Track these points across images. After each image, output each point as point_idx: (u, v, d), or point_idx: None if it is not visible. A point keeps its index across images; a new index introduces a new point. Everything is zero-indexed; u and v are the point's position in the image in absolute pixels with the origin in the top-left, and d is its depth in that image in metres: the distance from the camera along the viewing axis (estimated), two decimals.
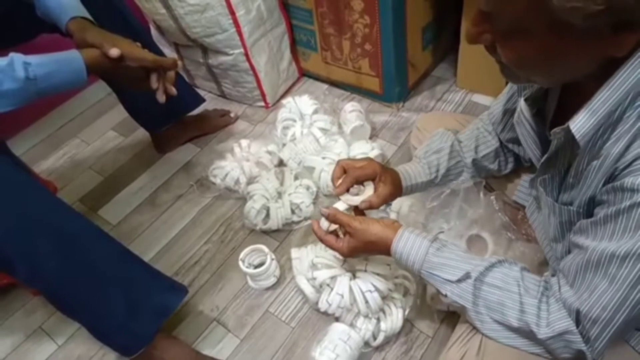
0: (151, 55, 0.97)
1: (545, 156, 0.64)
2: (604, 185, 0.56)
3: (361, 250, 0.80)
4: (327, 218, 0.82)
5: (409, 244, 0.73)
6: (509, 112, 0.84)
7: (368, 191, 0.84)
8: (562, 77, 0.56)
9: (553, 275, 0.66)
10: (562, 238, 0.67)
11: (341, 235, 0.82)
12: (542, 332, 0.61)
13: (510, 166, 0.94)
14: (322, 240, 0.83)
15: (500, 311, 0.64)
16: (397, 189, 0.87)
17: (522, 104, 0.68)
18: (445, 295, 0.69)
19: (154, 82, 0.99)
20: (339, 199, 0.84)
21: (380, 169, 0.85)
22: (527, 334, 0.63)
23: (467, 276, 0.67)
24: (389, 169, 0.89)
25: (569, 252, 0.63)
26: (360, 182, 0.85)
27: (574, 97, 0.59)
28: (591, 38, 0.47)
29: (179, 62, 1.01)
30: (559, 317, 0.60)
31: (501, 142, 0.91)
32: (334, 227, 0.84)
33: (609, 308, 0.55)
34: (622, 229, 0.52)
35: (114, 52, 0.90)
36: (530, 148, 0.72)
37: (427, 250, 0.71)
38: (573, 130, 0.55)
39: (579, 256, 0.58)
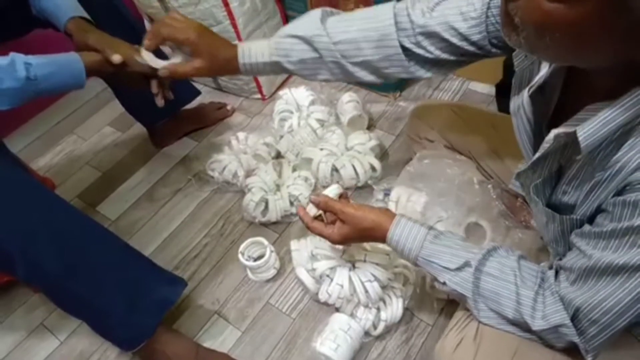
0: None
1: (537, 155, 0.60)
2: (613, 196, 0.53)
3: (355, 237, 0.78)
4: (318, 206, 0.80)
5: (406, 232, 0.72)
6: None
7: (176, 59, 0.78)
8: (575, 59, 0.50)
9: (550, 268, 0.65)
10: (563, 240, 0.65)
11: (325, 220, 0.81)
12: (537, 325, 0.61)
13: (380, 82, 0.82)
14: (309, 227, 0.81)
15: (496, 300, 0.64)
16: (221, 64, 0.79)
17: (525, 98, 0.63)
18: (444, 283, 0.69)
19: (154, 88, 0.98)
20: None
21: (195, 37, 0.76)
22: (522, 324, 0.63)
23: (466, 264, 0.67)
24: (217, 39, 0.79)
25: (570, 248, 0.62)
26: (171, 42, 0.78)
27: (580, 96, 0.55)
28: (626, 35, 0.43)
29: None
30: (554, 310, 0.60)
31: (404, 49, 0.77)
32: (318, 213, 0.82)
33: (611, 313, 0.54)
34: (631, 243, 0.51)
35: (117, 58, 0.90)
36: (522, 142, 0.69)
37: (424, 237, 0.71)
38: (580, 138, 0.51)
39: (582, 260, 0.57)
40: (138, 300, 0.94)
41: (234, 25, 1.39)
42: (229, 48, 0.79)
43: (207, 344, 1.06)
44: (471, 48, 0.74)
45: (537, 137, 0.65)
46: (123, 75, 0.95)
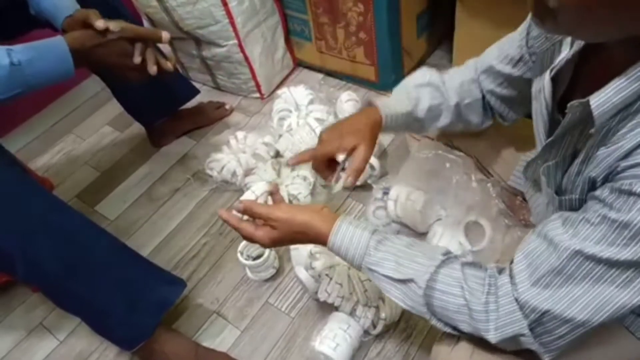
0: (132, 26, 0.93)
1: (556, 132, 0.59)
2: (604, 179, 0.51)
3: (287, 241, 0.73)
4: (243, 213, 0.73)
5: (348, 238, 0.67)
6: (513, 64, 0.78)
7: (350, 165, 0.75)
8: (612, 32, 0.48)
9: (501, 270, 0.60)
10: None
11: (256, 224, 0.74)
12: (492, 337, 0.58)
13: (489, 123, 0.89)
14: (237, 229, 0.73)
15: (449, 317, 0.61)
16: (375, 132, 0.81)
17: (546, 80, 0.62)
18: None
19: (137, 54, 0.93)
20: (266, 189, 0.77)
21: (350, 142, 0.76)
22: (479, 336, 0.60)
23: (413, 279, 0.62)
24: (362, 121, 0.81)
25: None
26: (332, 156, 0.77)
27: (595, 75, 0.54)
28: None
29: (167, 35, 0.97)
30: (509, 321, 0.56)
31: (483, 96, 0.85)
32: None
33: (588, 309, 0.51)
34: (617, 234, 0.47)
35: (100, 23, 0.88)
36: (537, 127, 0.67)
37: (367, 243, 0.66)
38: (592, 106, 0.49)
39: (552, 255, 0.53)
40: (137, 301, 0.94)
41: (233, 24, 1.39)
42: (372, 109, 0.83)
43: (206, 344, 1.06)
44: (517, 72, 0.77)
45: (551, 123, 0.64)
46: (108, 52, 0.92)
